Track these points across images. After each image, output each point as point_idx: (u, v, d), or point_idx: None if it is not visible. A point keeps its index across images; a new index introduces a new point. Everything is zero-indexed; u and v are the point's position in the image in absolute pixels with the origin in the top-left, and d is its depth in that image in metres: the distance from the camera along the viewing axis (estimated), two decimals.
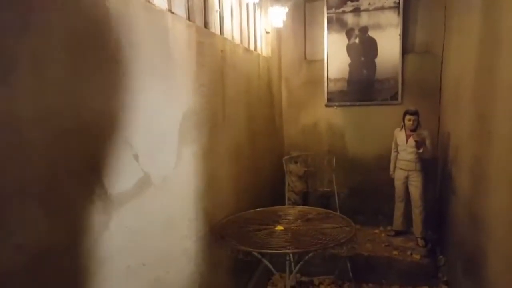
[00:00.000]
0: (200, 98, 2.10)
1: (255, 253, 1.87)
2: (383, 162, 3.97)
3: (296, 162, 4.11)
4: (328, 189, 3.57)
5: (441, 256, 3.38)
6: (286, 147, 4.43)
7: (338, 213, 2.56)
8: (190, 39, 1.99)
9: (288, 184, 4.09)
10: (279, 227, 2.10)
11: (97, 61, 1.32)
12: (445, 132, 3.47)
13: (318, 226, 2.16)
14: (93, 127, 1.31)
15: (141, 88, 1.56)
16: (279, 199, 3.60)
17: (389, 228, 3.97)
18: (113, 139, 1.40)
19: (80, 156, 1.25)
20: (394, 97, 3.95)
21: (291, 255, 2.23)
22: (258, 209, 2.48)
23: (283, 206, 2.50)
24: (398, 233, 3.63)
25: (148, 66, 1.61)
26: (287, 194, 4.13)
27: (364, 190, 4.17)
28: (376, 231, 3.95)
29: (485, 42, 2.29)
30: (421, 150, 3.27)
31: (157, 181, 1.68)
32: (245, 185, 2.95)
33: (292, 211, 2.43)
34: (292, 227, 2.14)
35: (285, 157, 3.37)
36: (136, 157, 1.52)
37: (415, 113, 3.34)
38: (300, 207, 2.53)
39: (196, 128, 2.05)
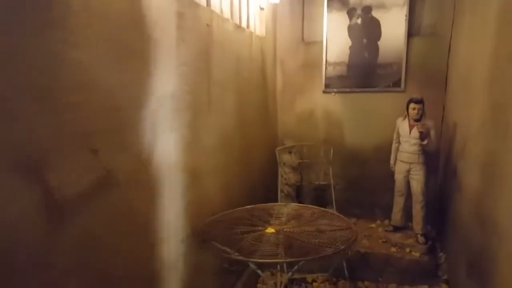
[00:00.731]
0: (180, 80, 1.82)
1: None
2: (382, 153, 3.73)
3: (290, 153, 3.85)
4: (324, 182, 3.32)
5: (441, 253, 3.19)
6: (280, 136, 4.17)
7: (336, 212, 2.32)
8: (168, 8, 1.69)
9: (281, 176, 3.85)
10: (270, 229, 1.86)
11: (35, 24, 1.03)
12: (451, 122, 3.22)
13: (313, 228, 1.92)
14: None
15: (99, 65, 1.26)
16: (272, 192, 3.36)
17: (386, 222, 3.77)
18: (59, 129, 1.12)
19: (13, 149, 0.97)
20: (396, 83, 3.68)
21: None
22: (248, 207, 2.23)
23: (276, 204, 2.25)
24: (396, 229, 3.42)
25: (109, 38, 1.32)
26: (280, 187, 3.90)
27: (361, 182, 3.94)
28: (373, 225, 3.75)
29: (505, 22, 2.01)
30: (425, 142, 3.02)
31: (124, 179, 1.40)
32: (235, 178, 2.69)
33: (285, 210, 2.19)
34: (284, 229, 1.89)
35: (278, 148, 3.10)
36: (94, 151, 1.24)
37: (420, 102, 3.08)
38: (294, 205, 2.28)
39: (175, 115, 1.77)
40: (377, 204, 3.93)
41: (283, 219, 2.04)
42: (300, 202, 4.07)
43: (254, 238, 1.75)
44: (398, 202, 3.36)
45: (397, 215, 3.39)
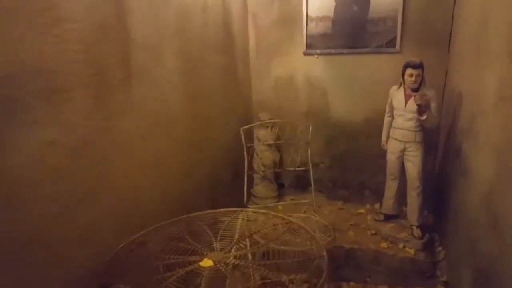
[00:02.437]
0: (56, 45, 1.18)
1: None
2: (373, 127, 3.15)
3: (266, 127, 3.26)
4: (301, 168, 2.77)
5: (440, 248, 2.71)
6: (255, 107, 3.55)
7: (315, 216, 1.77)
8: None
9: (257, 155, 3.28)
10: (207, 262, 1.30)
11: None
12: (455, 91, 2.62)
13: (270, 253, 1.38)
14: None
15: None
16: (244, 176, 2.80)
17: (377, 206, 3.27)
18: None
19: None
20: (391, 43, 3.02)
21: None
22: (192, 215, 1.66)
23: (229, 210, 1.69)
24: (388, 218, 2.92)
25: None
26: (254, 166, 3.34)
27: (349, 160, 3.40)
28: (361, 210, 3.25)
29: None
30: (424, 117, 2.43)
31: None
32: (179, 171, 2.12)
33: (239, 222, 1.62)
34: (229, 260, 1.35)
35: (243, 127, 2.50)
36: None
37: (419, 66, 2.45)
38: (251, 210, 1.72)
39: (46, 99, 1.15)
40: (367, 185, 3.41)
41: (232, 238, 1.49)
42: (279, 184, 3.54)
43: (181, 278, 1.20)
44: (391, 187, 2.83)
45: (388, 201, 2.87)
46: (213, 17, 2.51)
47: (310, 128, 2.62)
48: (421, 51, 2.90)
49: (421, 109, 2.42)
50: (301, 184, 3.53)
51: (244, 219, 1.64)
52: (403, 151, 2.66)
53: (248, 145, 2.55)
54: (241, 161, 2.69)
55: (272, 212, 1.67)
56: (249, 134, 2.65)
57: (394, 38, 2.98)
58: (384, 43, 3.02)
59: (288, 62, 3.36)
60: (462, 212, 2.24)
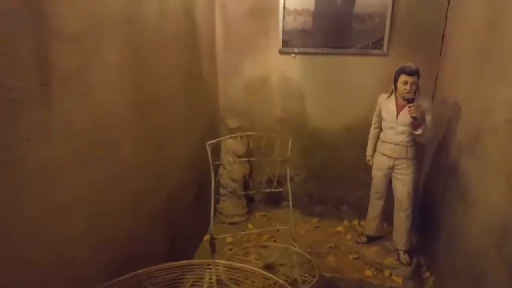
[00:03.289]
0: None
1: None
2: (353, 136, 2.85)
3: (236, 137, 2.82)
4: (277, 189, 2.37)
5: (428, 274, 2.44)
6: (222, 112, 3.10)
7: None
8: None
9: (224, 167, 2.85)
10: None
11: None
12: (449, 101, 2.34)
13: None
14: None
15: None
16: (211, 199, 2.36)
17: (354, 223, 2.99)
18: None
19: None
20: (378, 44, 2.69)
21: None
22: (137, 273, 1.22)
23: (193, 263, 1.26)
24: (370, 239, 2.61)
25: None
26: (221, 180, 2.91)
27: (326, 172, 3.06)
28: (340, 228, 2.94)
29: None
30: (419, 131, 2.13)
31: None
32: (130, 202, 1.65)
33: (205, 285, 1.19)
34: None
35: (209, 142, 2.04)
36: None
37: (415, 73, 2.14)
38: (223, 268, 1.29)
39: None
40: (346, 200, 3.10)
41: None
42: (248, 199, 3.14)
43: None
44: (375, 207, 2.52)
45: (372, 222, 2.57)
46: (172, 4, 2.03)
47: (290, 142, 2.22)
48: (411, 53, 2.61)
49: (417, 122, 2.11)
50: (273, 199, 3.16)
51: (211, 280, 1.22)
52: (391, 168, 2.35)
53: (216, 163, 2.11)
54: (205, 177, 2.25)
55: (253, 268, 1.25)
56: (216, 147, 2.22)
57: (382, 39, 2.65)
58: (371, 43, 2.68)
59: (261, 61, 2.94)
60: (461, 240, 1.97)
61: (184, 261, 1.34)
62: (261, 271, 1.22)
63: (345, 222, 3.02)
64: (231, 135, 2.55)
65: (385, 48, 2.67)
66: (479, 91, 1.92)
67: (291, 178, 3.07)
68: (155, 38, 1.84)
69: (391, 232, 2.52)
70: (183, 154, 2.39)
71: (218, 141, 2.28)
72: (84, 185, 1.29)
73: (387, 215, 2.53)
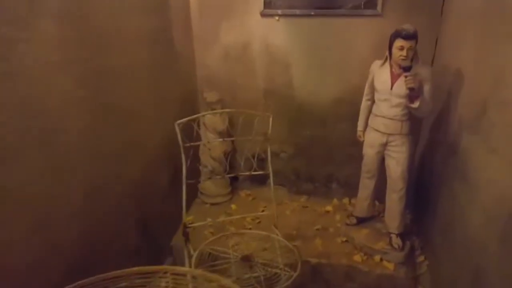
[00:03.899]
0: None
1: None
2: (344, 108, 2.60)
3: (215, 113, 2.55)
4: (259, 171, 2.13)
5: (422, 258, 2.28)
6: (199, 84, 2.82)
7: None
8: None
9: (204, 145, 2.61)
10: None
11: None
12: (450, 68, 2.07)
13: None
14: None
15: None
16: (194, 173, 2.14)
17: (344, 201, 2.80)
18: None
19: None
20: (371, 3, 2.37)
21: None
22: (101, 277, 1.01)
23: (146, 270, 1.05)
24: (361, 220, 2.43)
25: None
26: (201, 158, 2.69)
27: (314, 148, 2.83)
28: (329, 208, 2.75)
29: None
30: (416, 104, 1.87)
31: None
32: (85, 188, 1.42)
33: None
34: None
35: (178, 122, 1.78)
36: None
37: (412, 37, 1.85)
38: (181, 272, 1.08)
39: None
40: (335, 177, 2.89)
41: None
42: (232, 178, 2.92)
43: None
44: (366, 186, 2.31)
45: (363, 203, 2.37)
46: None
47: (271, 119, 1.96)
48: (408, 13, 2.30)
49: (414, 94, 1.85)
50: (258, 176, 2.93)
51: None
52: (385, 145, 2.11)
53: (187, 144, 1.86)
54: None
55: (217, 276, 1.04)
56: (193, 124, 1.95)
57: None
58: (363, 2, 2.36)
59: (241, 25, 2.62)
60: (460, 226, 1.77)
61: (136, 268, 1.12)
62: (230, 283, 1.01)
63: (335, 201, 2.82)
64: (208, 112, 2.27)
65: (379, 7, 2.35)
66: (487, 57, 1.64)
67: (277, 155, 2.85)
68: (109, 1, 1.53)
69: (383, 211, 2.34)
70: (154, 135, 2.14)
71: (197, 117, 2.02)
72: (20, 179, 1.05)
73: (379, 192, 2.33)
